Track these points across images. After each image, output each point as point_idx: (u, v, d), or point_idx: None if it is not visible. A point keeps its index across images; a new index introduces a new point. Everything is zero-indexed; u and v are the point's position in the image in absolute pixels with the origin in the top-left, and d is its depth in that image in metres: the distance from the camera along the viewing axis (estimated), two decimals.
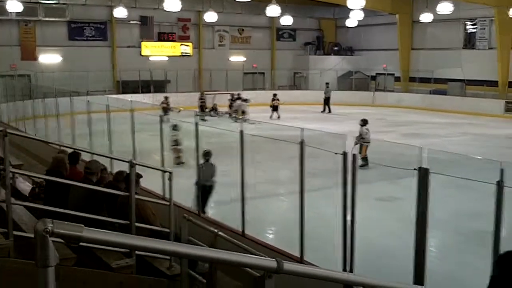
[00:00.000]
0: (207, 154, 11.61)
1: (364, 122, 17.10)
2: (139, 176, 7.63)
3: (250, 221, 9.27)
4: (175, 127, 17.11)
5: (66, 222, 1.98)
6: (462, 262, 9.46)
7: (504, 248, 5.27)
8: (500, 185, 5.00)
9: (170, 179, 7.27)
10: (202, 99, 31.48)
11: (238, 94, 30.89)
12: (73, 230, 1.96)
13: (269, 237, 10.71)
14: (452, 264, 9.53)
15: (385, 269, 8.53)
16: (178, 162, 16.95)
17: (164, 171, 8.25)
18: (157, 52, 37.69)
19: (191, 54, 38.88)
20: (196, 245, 5.89)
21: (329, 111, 33.58)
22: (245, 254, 2.53)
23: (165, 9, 29.11)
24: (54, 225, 1.90)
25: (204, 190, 11.21)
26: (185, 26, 38.57)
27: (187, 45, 38.71)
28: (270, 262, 2.40)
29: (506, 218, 5.26)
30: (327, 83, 35.68)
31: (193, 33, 39.11)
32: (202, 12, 35.94)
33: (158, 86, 36.29)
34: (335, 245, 7.09)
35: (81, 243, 2.09)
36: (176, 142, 17.27)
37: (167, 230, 7.01)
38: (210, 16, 33.44)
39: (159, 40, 37.75)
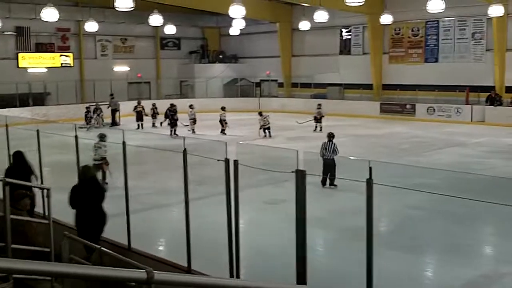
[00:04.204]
0: (330, 135, 14.88)
1: (101, 137, 15.22)
2: (24, 195, 7.32)
3: (139, 233, 9.15)
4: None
5: None
6: (341, 257, 9.94)
7: (376, 240, 5.60)
8: (369, 183, 5.29)
9: (48, 196, 7.03)
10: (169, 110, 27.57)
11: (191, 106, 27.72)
12: None
13: (159, 249, 10.60)
14: (333, 259, 10.03)
15: (272, 271, 8.72)
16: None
17: (42, 188, 7.94)
18: (35, 63, 36.14)
19: (72, 64, 37.59)
20: (76, 263, 5.74)
21: (115, 124, 29.81)
22: (116, 268, 2.52)
23: (42, 19, 27.95)
24: None
25: (326, 164, 14.41)
26: (64, 36, 37.30)
27: (67, 56, 37.43)
28: (140, 274, 2.41)
29: (384, 213, 5.58)
30: (111, 94, 32.72)
31: (73, 43, 37.88)
32: (82, 22, 34.97)
33: (37, 99, 34.64)
34: (224, 251, 7.15)
35: None
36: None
37: (47, 249, 6.77)
38: (91, 26, 32.65)
39: (37, 51, 36.22)
